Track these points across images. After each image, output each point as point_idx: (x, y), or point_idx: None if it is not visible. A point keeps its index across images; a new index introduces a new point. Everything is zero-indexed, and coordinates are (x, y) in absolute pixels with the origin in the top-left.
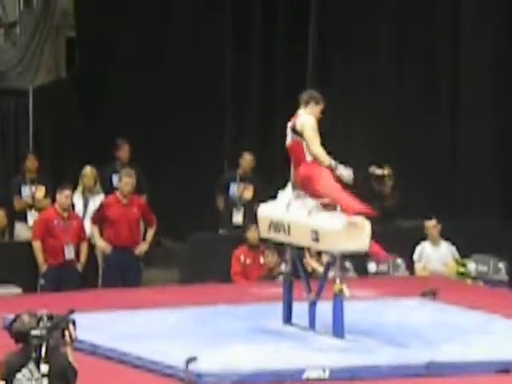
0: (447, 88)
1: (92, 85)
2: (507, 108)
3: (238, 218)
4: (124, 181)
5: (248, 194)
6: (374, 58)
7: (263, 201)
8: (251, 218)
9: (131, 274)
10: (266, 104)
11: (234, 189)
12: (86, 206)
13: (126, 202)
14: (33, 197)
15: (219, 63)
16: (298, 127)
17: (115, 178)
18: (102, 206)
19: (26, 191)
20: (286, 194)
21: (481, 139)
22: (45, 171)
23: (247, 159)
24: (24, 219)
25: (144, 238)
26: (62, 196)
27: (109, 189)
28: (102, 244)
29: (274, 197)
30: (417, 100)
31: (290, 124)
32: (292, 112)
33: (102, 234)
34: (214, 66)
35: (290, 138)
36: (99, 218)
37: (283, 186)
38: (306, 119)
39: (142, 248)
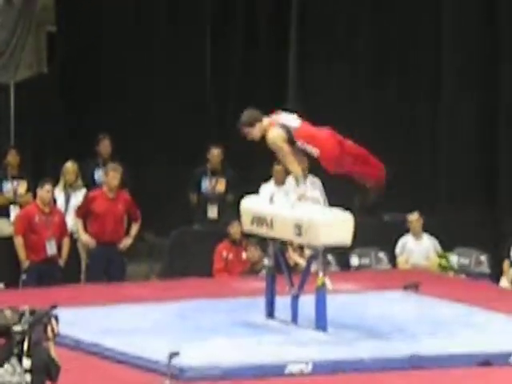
0: (428, 80)
1: (73, 80)
2: (488, 102)
3: (212, 212)
4: (110, 175)
5: (220, 187)
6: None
7: (237, 193)
8: (226, 211)
9: (115, 269)
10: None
11: (206, 183)
12: (67, 201)
13: (113, 196)
14: (14, 192)
15: (200, 60)
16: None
17: (97, 173)
18: (87, 200)
19: (7, 186)
20: (269, 187)
21: (462, 133)
22: (26, 166)
23: (215, 153)
24: (6, 215)
25: (127, 233)
26: (43, 191)
27: (91, 184)
28: (86, 238)
29: (252, 188)
30: (398, 92)
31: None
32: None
33: (85, 229)
34: (196, 64)
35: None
36: (84, 212)
37: (257, 177)
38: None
39: (126, 242)
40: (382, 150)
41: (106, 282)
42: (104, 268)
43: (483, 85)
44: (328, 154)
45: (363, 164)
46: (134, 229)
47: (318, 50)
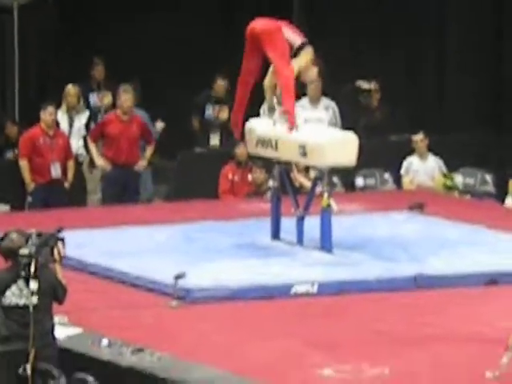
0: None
1: (75, 3)
2: (494, 25)
3: (214, 139)
4: (123, 98)
5: (224, 114)
6: None
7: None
8: (228, 138)
9: (130, 191)
10: None
11: (210, 110)
12: (71, 124)
13: (126, 119)
14: None
15: None
16: None
17: (92, 97)
18: (101, 124)
19: None
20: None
21: (469, 54)
22: (31, 89)
23: (220, 85)
24: None
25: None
26: (46, 113)
27: (86, 107)
28: (101, 162)
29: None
30: (401, 12)
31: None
32: None
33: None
34: None
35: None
36: (98, 136)
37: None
38: None
39: (141, 164)
40: (388, 72)
41: (119, 205)
42: (118, 191)
43: (488, 7)
44: None
45: None
46: (149, 151)
47: None
